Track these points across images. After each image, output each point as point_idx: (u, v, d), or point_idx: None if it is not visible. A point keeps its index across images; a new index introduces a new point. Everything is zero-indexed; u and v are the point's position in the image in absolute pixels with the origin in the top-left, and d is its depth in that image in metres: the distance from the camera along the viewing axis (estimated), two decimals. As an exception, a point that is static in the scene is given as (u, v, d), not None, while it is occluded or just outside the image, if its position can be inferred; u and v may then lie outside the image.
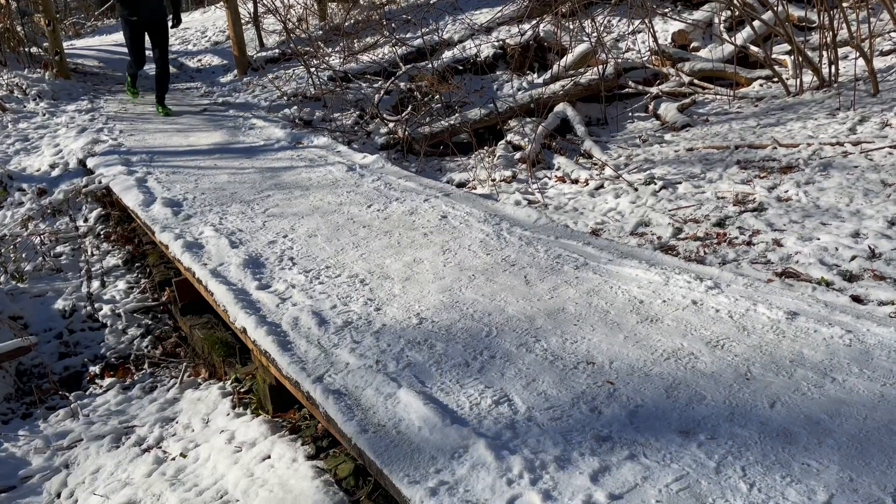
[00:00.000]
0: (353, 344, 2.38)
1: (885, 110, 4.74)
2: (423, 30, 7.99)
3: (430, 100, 6.42)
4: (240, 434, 2.62)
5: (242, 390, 2.99)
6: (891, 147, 4.16)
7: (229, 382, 3.09)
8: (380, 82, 6.86)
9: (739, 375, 2.00)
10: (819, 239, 3.27)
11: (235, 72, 8.73)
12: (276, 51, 9.04)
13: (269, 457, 2.43)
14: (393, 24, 8.66)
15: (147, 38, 6.54)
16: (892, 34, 5.91)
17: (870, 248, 3.09)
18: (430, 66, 6.85)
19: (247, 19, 9.76)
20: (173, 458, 2.64)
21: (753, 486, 1.55)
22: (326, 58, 7.93)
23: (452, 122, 5.95)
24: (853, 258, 3.05)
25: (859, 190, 3.71)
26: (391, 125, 6.07)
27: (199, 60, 10.21)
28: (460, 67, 7.08)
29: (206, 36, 11.59)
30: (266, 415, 2.72)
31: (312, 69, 7.37)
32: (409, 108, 6.26)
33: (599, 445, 1.75)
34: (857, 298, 2.72)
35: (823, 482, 1.54)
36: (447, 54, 7.39)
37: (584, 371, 2.11)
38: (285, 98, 7.15)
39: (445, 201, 3.88)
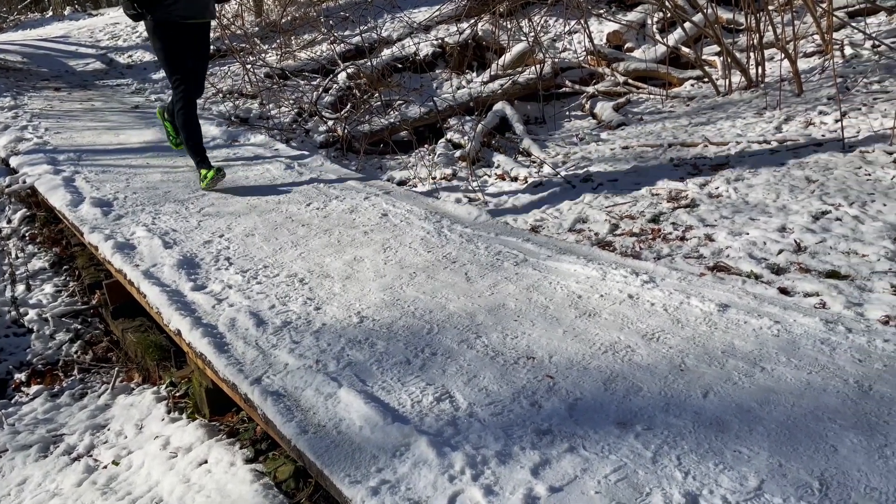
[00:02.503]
0: (293, 344, 2.34)
1: (808, 109, 4.94)
2: (361, 27, 7.93)
3: (370, 98, 6.37)
4: (175, 439, 2.55)
5: (178, 394, 2.90)
6: (814, 145, 4.34)
7: (164, 387, 3.00)
8: (318, 80, 6.78)
9: (674, 367, 2.05)
10: (748, 234, 3.38)
11: (168, 68, 8.47)
12: (211, 47, 8.83)
13: (205, 461, 2.36)
14: (331, 22, 8.57)
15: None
16: (815, 36, 6.16)
17: (796, 242, 3.22)
18: (369, 63, 6.80)
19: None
20: (105, 467, 2.55)
21: (688, 474, 1.59)
22: (263, 55, 7.79)
23: (392, 120, 5.93)
24: (780, 252, 3.16)
25: (785, 186, 3.85)
26: (330, 123, 6.00)
27: (130, 56, 9.89)
28: (399, 66, 7.05)
29: (136, 31, 11.23)
30: (203, 419, 2.65)
31: (248, 66, 7.23)
32: (349, 106, 6.20)
33: (540, 439, 1.76)
34: (784, 290, 2.83)
35: (754, 468, 1.59)
36: (386, 52, 7.36)
37: (525, 366, 2.13)
38: (220, 95, 6.99)
39: (386, 199, 3.86)
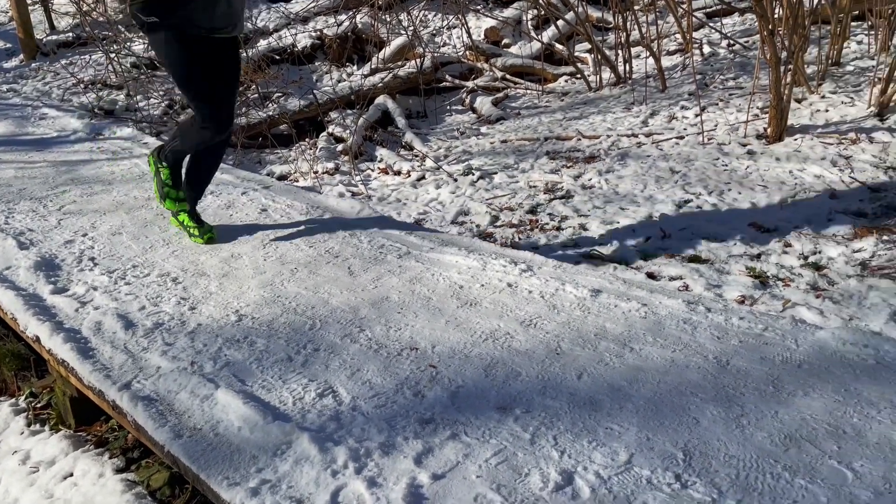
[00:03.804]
0: (165, 346, 2.23)
1: (671, 105, 5.25)
2: (236, 17, 7.65)
3: (246, 90, 6.17)
4: (36, 453, 2.37)
5: (39, 405, 2.70)
6: (677, 138, 4.62)
7: (23, 398, 2.78)
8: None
9: (551, 351, 2.13)
10: (619, 222, 3.55)
11: (21, 56, 7.86)
12: (70, 34, 8.25)
13: (71, 474, 2.21)
14: (204, 10, 8.21)
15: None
16: (677, 35, 6.55)
17: (661, 229, 3.41)
18: (244, 54, 6.58)
19: (34, -2, 8.82)
20: (-45, 489, 2.33)
21: (564, 452, 1.65)
22: (128, 43, 7.36)
23: (271, 113, 5.77)
24: (648, 239, 3.34)
25: (652, 177, 4.08)
26: (205, 116, 5.76)
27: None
28: (277, 57, 6.88)
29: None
30: (68, 430, 2.48)
31: (112, 55, 6.81)
32: (224, 99, 5.98)
33: (423, 428, 1.77)
34: (651, 275, 2.99)
35: (625, 443, 1.67)
36: (263, 43, 7.15)
37: (408, 357, 2.14)
38: (82, 86, 6.55)
39: (265, 194, 3.75)
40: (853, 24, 5.89)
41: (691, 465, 1.59)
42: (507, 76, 6.36)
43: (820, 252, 3.03)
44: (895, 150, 3.92)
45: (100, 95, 6.24)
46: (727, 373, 1.94)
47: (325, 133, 5.58)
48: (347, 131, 5.41)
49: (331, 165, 4.95)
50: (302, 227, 3.25)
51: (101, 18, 8.06)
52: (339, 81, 6.43)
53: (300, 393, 1.96)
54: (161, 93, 6.29)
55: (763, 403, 1.79)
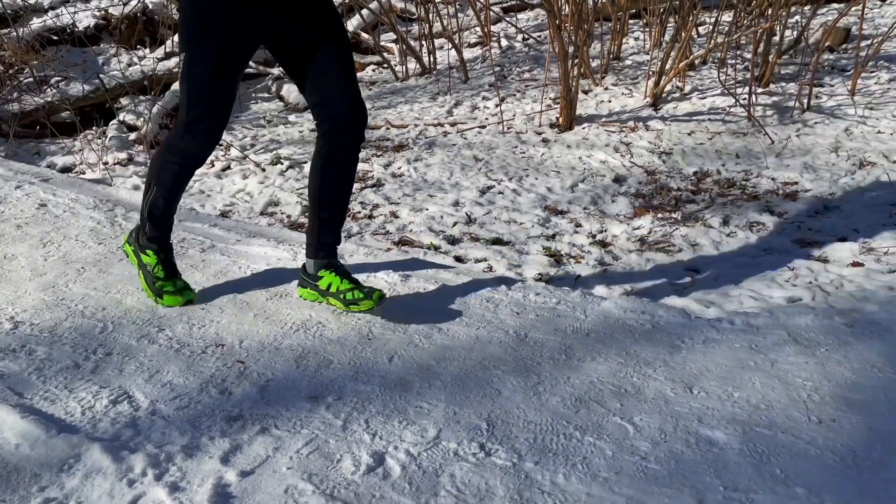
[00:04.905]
0: (-78, 363, 1.96)
1: (474, 95, 5.46)
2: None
3: (18, 73, 5.53)
4: None
5: None
6: (479, 127, 4.82)
7: None
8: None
9: (363, 337, 2.14)
10: (428, 209, 3.65)
11: None
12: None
13: None
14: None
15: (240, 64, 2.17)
16: (477, 28, 6.82)
17: (467, 214, 3.55)
18: (14, 34, 5.89)
19: None
20: None
21: (376, 434, 1.67)
22: None
23: (50, 99, 5.22)
24: (455, 224, 3.46)
25: (457, 165, 4.23)
26: (-32, 101, 5.09)
27: None
28: (55, 38, 6.23)
29: None
30: None
31: None
32: (-8, 82, 5.32)
33: (230, 426, 1.71)
34: (458, 258, 3.10)
35: (433, 420, 1.73)
36: (37, 22, 6.43)
37: (214, 354, 2.05)
38: None
39: (44, 188, 3.40)
40: (631, 21, 6.49)
41: (494, 433, 1.68)
42: (314, 64, 6.25)
43: (606, 230, 3.31)
44: (667, 136, 4.39)
45: None
46: (525, 345, 2.06)
47: (115, 121, 5.15)
48: (141, 119, 5.04)
49: (123, 156, 4.59)
50: (90, 223, 2.99)
51: None
52: (129, 65, 5.96)
53: (90, 402, 1.81)
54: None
55: (557, 371, 1.93)
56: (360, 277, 2.56)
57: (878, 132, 4.12)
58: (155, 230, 2.27)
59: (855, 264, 2.76)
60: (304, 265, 2.27)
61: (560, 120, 4.68)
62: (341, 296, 2.13)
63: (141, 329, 2.18)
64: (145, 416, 1.75)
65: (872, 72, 4.96)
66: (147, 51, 6.34)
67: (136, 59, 6.08)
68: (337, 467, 1.57)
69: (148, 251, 2.29)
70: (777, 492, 1.45)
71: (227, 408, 1.79)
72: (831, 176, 3.65)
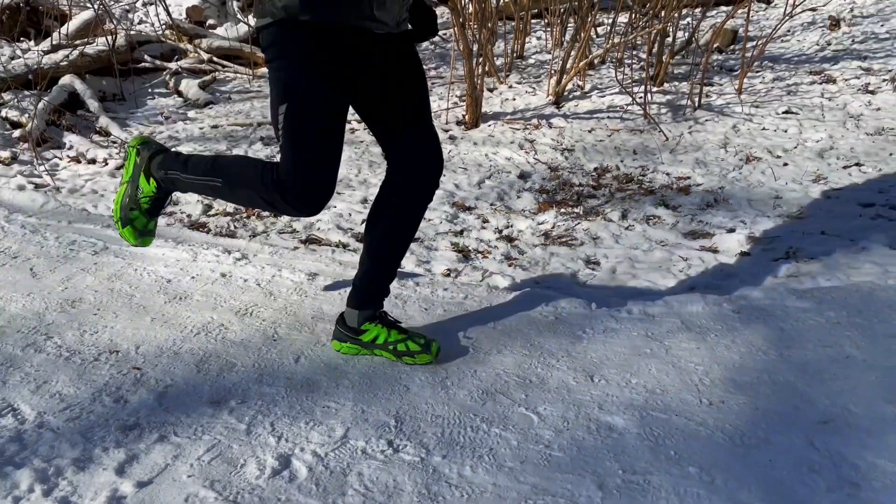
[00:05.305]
0: None
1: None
2: None
3: None
4: None
5: None
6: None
7: None
8: None
9: (267, 338, 2.09)
10: (336, 207, 3.60)
11: None
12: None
13: None
14: None
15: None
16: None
17: (375, 211, 3.53)
18: None
19: None
20: None
21: (281, 437, 1.64)
22: None
23: (-79, 93, 4.83)
24: (363, 222, 3.43)
25: (365, 162, 4.20)
26: None
27: None
28: (-73, 27, 5.77)
29: None
30: None
31: None
32: None
33: (126, 435, 1.64)
34: (366, 256, 3.08)
35: (341, 419, 1.71)
36: None
37: (108, 361, 1.96)
38: None
39: (-85, 189, 3.15)
40: (533, 21, 6.62)
41: (402, 429, 1.68)
42: (215, 59, 6.06)
43: (512, 226, 3.37)
44: (569, 133, 4.51)
45: None
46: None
47: (-3, 117, 4.82)
48: (26, 115, 4.74)
49: (6, 154, 4.30)
50: (-32, 226, 2.79)
51: None
52: (11, 59, 5.58)
53: (-30, 417, 1.69)
54: None
55: (464, 364, 1.95)
56: (265, 277, 2.50)
57: (763, 129, 4.38)
58: (171, 187, 2.05)
59: (742, 254, 2.92)
60: (341, 316, 2.05)
61: (466, 117, 4.73)
62: (390, 347, 1.97)
63: (27, 337, 2.06)
64: (32, 430, 1.65)
65: (758, 71, 5.27)
66: (31, 43, 5.96)
67: (19, 52, 5.71)
68: (241, 472, 1.53)
69: (152, 181, 2.05)
70: (672, 472, 1.52)
71: (123, 417, 1.71)
72: (720, 171, 3.85)
